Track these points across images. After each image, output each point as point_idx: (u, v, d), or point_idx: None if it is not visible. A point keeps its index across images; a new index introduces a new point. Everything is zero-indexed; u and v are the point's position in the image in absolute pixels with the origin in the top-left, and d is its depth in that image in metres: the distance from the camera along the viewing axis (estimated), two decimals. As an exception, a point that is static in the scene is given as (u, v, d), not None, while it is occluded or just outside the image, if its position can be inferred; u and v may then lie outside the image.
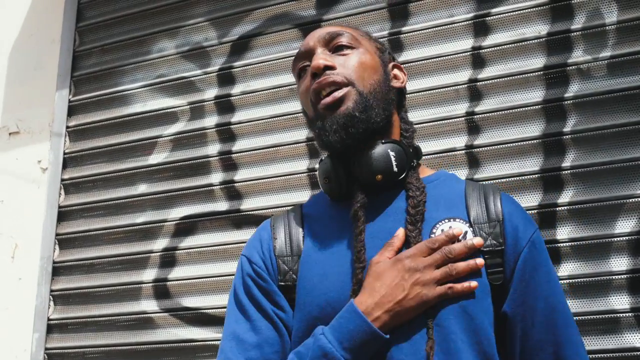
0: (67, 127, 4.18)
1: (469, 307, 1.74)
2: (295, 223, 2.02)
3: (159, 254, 3.77)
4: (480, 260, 1.74)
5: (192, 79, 3.92)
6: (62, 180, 4.11)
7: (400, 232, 1.81)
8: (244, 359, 1.85)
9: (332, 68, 1.92)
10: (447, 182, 2.00)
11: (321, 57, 1.94)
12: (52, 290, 3.97)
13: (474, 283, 1.72)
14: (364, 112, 1.87)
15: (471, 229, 1.84)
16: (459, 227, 1.84)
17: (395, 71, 2.09)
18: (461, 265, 1.73)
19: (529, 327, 1.80)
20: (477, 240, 1.75)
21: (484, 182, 2.04)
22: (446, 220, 1.86)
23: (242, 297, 1.95)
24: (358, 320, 1.71)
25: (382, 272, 1.76)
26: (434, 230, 1.84)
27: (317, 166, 3.41)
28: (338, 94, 1.89)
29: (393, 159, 1.89)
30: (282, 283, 1.92)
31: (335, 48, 1.98)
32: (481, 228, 1.83)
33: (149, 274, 3.76)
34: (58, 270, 4.00)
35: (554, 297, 1.84)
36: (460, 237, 1.81)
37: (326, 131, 1.89)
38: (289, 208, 2.21)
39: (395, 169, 1.90)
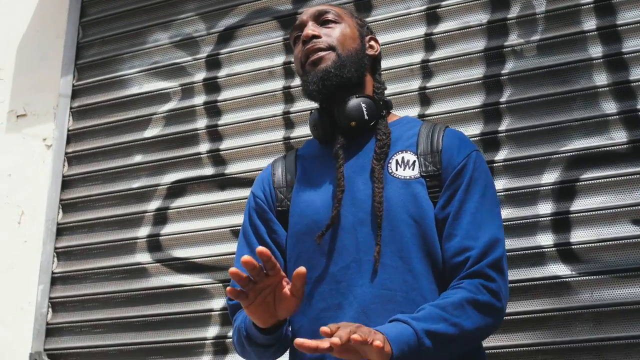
0: (71, 107, 4.54)
1: (421, 224, 2.15)
2: (290, 162, 2.47)
3: (152, 213, 4.14)
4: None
5: (183, 64, 4.33)
6: (66, 153, 4.47)
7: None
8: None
9: (318, 37, 2.35)
10: (407, 125, 2.39)
11: (310, 29, 2.36)
12: (56, 248, 4.31)
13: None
14: (338, 69, 2.29)
15: (417, 158, 2.25)
16: (407, 157, 2.26)
17: (372, 42, 2.50)
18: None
19: (446, 225, 2.15)
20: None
21: (436, 123, 2.42)
22: (400, 152, 2.28)
23: (247, 228, 2.42)
24: None
25: None
26: (390, 161, 2.26)
27: (291, 135, 3.84)
28: (321, 54, 2.32)
29: (364, 109, 2.31)
30: (279, 209, 2.37)
31: (323, 22, 2.40)
32: (425, 158, 2.23)
33: (144, 231, 4.13)
34: (61, 231, 4.35)
35: (468, 202, 2.17)
36: (410, 164, 2.24)
37: (308, 83, 2.34)
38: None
39: (366, 117, 2.31)
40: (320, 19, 2.40)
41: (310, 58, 2.33)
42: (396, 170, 2.23)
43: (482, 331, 2.07)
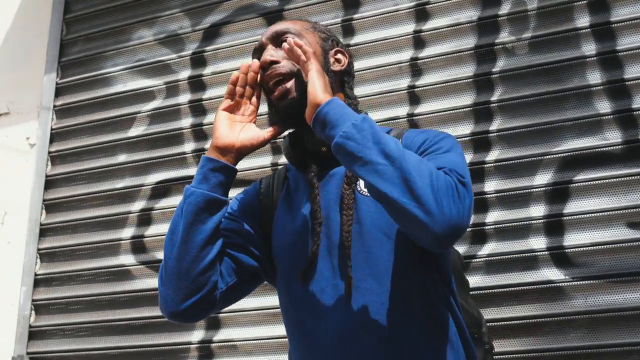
0: (55, 106, 4.37)
1: (393, 240, 1.98)
2: (277, 181, 2.25)
3: (136, 214, 3.97)
4: None
5: (168, 62, 4.14)
6: (49, 152, 4.29)
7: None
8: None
9: (277, 62, 2.11)
10: None
11: (269, 53, 2.13)
12: (39, 249, 4.14)
13: None
14: (303, 97, 2.04)
15: None
16: None
17: (338, 55, 2.25)
18: None
19: None
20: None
21: (407, 128, 2.25)
22: None
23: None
24: None
25: None
26: (360, 184, 2.05)
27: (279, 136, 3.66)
28: (283, 87, 2.08)
29: None
30: (262, 227, 2.17)
31: (282, 42, 2.14)
32: None
33: (127, 232, 3.96)
34: (44, 231, 4.18)
35: (435, 151, 1.97)
36: None
37: (276, 115, 2.11)
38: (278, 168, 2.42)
39: None
40: (280, 40, 2.16)
41: (275, 92, 2.10)
42: (364, 187, 2.03)
43: (408, 184, 1.76)
